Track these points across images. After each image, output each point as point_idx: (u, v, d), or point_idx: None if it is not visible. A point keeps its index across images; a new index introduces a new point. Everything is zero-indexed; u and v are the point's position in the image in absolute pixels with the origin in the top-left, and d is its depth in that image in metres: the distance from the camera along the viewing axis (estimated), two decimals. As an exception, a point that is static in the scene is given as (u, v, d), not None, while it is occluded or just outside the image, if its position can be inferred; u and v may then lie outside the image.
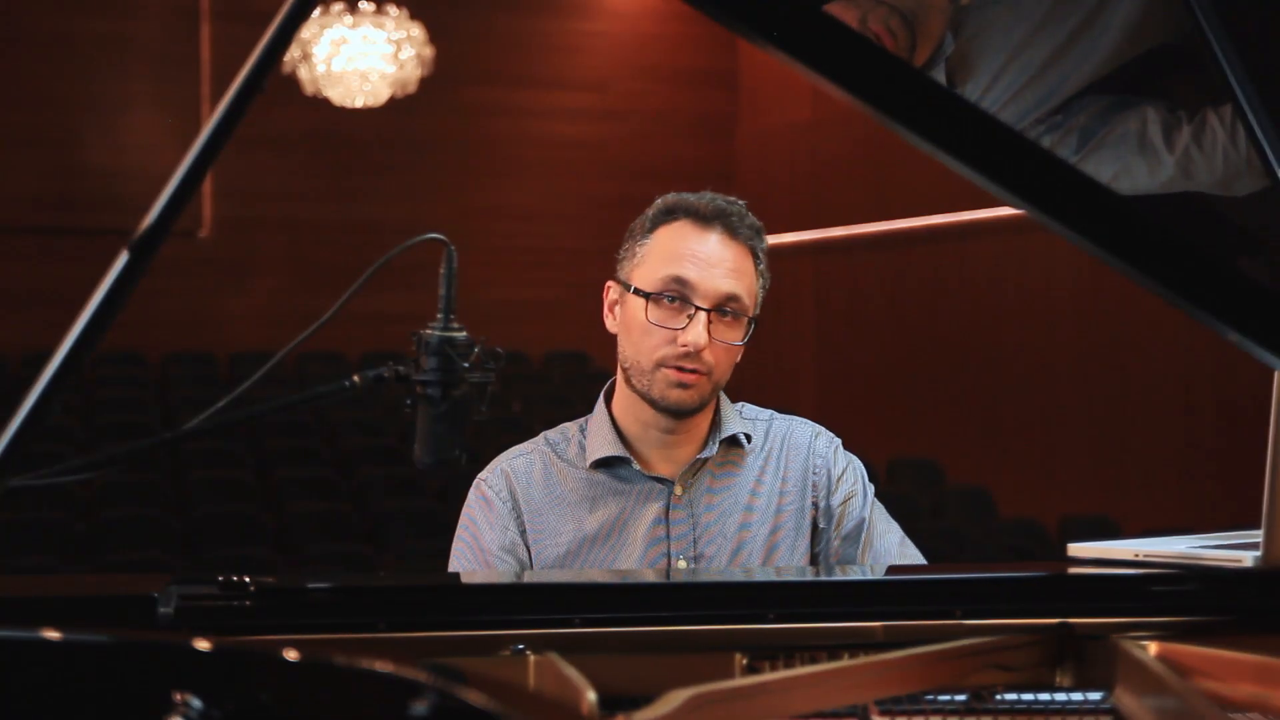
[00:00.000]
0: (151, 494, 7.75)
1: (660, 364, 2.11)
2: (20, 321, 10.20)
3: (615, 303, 2.19)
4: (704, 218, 2.13)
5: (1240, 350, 1.57)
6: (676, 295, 2.10)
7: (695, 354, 2.08)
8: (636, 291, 2.12)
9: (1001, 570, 1.82)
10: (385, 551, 7.33)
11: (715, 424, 2.20)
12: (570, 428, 2.24)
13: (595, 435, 2.19)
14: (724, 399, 2.23)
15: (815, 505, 2.20)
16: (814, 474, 2.21)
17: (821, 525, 2.20)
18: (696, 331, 2.08)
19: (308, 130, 11.17)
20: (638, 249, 2.16)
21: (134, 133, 10.63)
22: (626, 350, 2.16)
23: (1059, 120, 1.72)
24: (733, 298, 2.10)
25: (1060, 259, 9.47)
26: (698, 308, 2.09)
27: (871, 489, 2.24)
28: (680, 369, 2.09)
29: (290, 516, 7.66)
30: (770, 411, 2.28)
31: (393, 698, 1.11)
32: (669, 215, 2.15)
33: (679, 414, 2.14)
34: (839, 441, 2.26)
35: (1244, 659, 1.54)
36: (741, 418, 2.23)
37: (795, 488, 2.20)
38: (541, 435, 2.25)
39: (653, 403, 2.14)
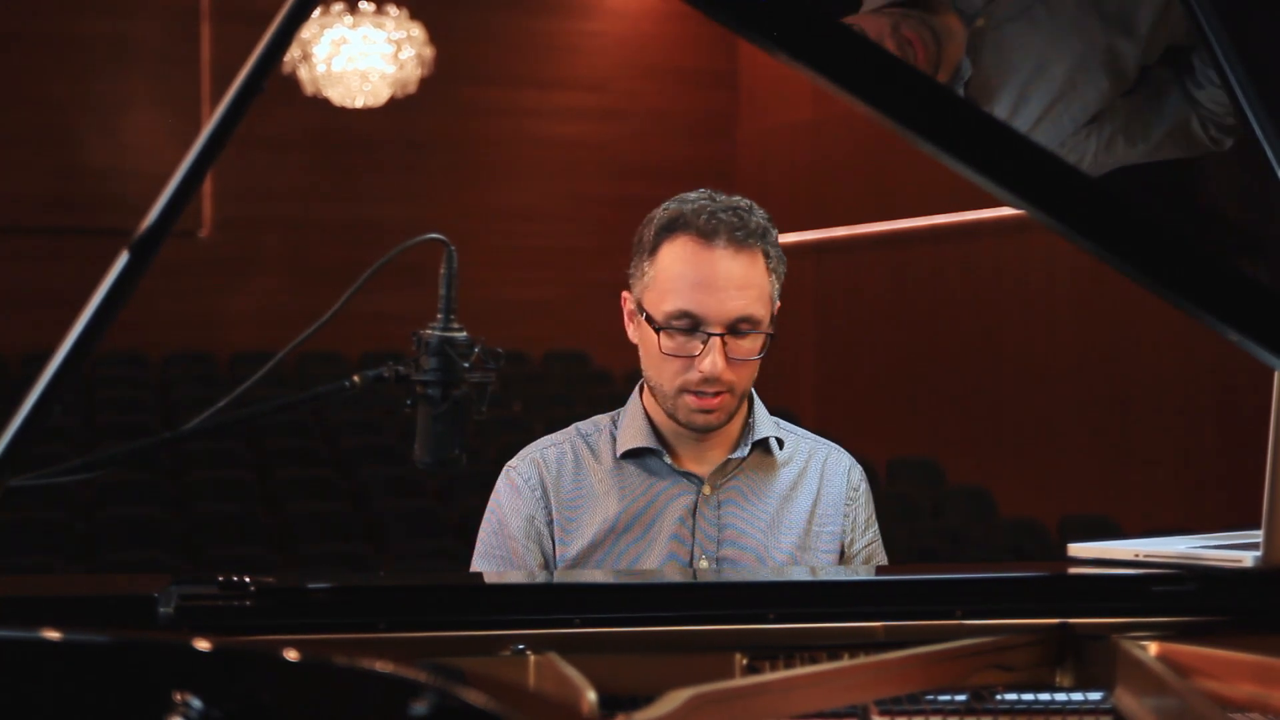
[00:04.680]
0: (151, 494, 7.75)
1: (681, 390, 2.09)
2: (20, 321, 10.20)
3: (633, 314, 2.16)
4: (706, 233, 2.07)
5: (1240, 350, 1.57)
6: (687, 326, 2.07)
7: (714, 379, 2.07)
8: (648, 319, 2.10)
9: (1001, 570, 1.82)
10: (385, 551, 7.33)
11: (748, 425, 2.19)
12: (603, 419, 2.24)
13: (628, 427, 2.19)
14: (758, 402, 2.22)
15: (841, 540, 2.21)
16: (848, 504, 2.22)
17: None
18: (712, 360, 2.05)
19: (308, 130, 11.17)
20: (645, 267, 2.12)
21: (134, 133, 10.62)
22: (648, 370, 2.15)
23: (1095, 128, 1.70)
24: (744, 317, 2.07)
25: (1060, 259, 9.48)
26: (710, 334, 2.06)
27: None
28: (701, 394, 2.08)
29: (290, 516, 7.66)
30: (808, 432, 2.28)
31: (393, 698, 1.11)
32: (670, 231, 2.10)
33: (705, 432, 2.14)
34: (866, 480, 2.27)
35: (1244, 659, 1.54)
36: (778, 426, 2.23)
37: (831, 513, 2.20)
38: (574, 426, 2.24)
39: (678, 422, 2.13)
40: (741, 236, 2.07)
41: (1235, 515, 2.33)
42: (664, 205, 2.15)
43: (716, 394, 2.08)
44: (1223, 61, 1.63)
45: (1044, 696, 1.62)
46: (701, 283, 2.06)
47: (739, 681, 1.55)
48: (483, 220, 11.60)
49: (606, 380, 10.49)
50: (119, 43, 10.99)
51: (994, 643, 1.60)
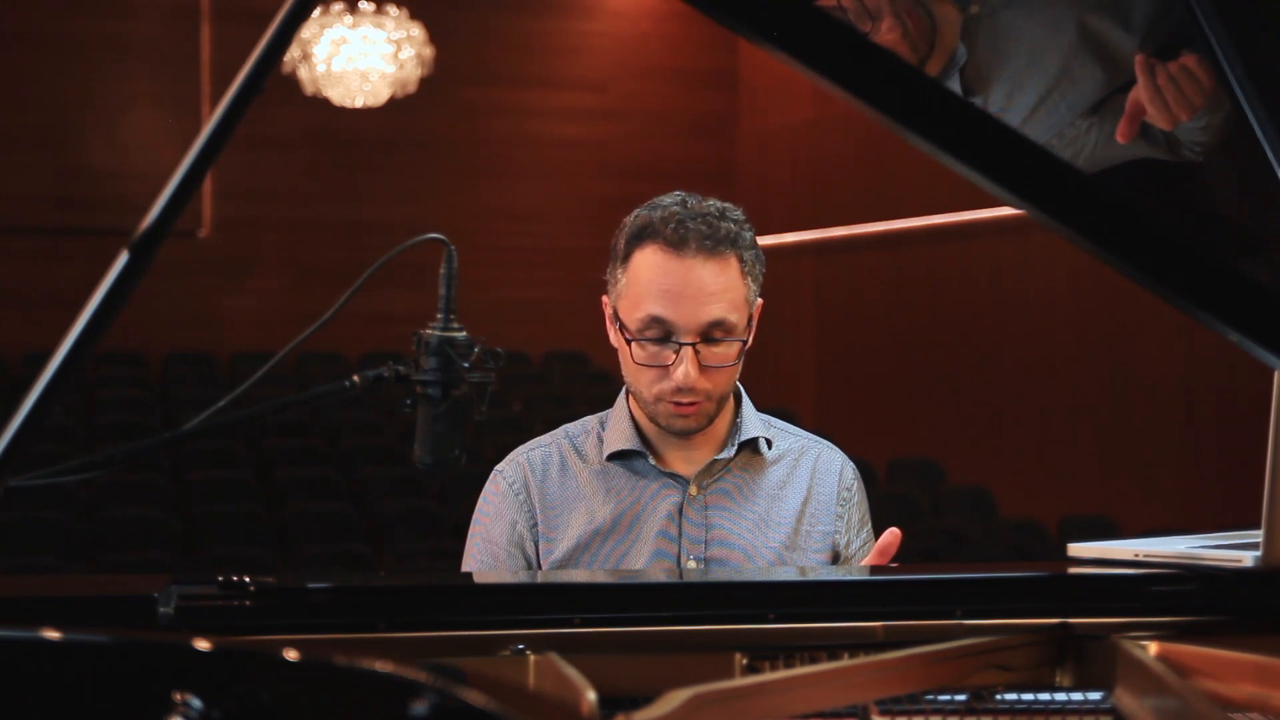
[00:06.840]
0: (151, 494, 7.75)
1: (658, 398, 2.09)
2: (20, 321, 10.20)
3: (611, 320, 2.16)
4: (675, 243, 2.05)
5: (1240, 350, 1.57)
6: (658, 335, 2.06)
7: (689, 388, 2.06)
8: (622, 328, 2.10)
9: (1001, 570, 1.81)
10: (385, 551, 7.33)
11: (735, 426, 2.18)
12: (591, 421, 2.23)
13: (614, 429, 2.18)
14: (746, 402, 2.21)
15: (835, 537, 2.19)
16: (840, 504, 2.20)
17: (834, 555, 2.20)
18: (684, 370, 2.05)
19: (308, 130, 11.17)
20: (618, 275, 2.11)
21: (134, 133, 10.63)
22: (627, 377, 2.14)
23: (1097, 121, 1.70)
24: (717, 323, 2.05)
25: (1060, 259, 9.47)
26: (682, 344, 2.05)
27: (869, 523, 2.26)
28: (677, 403, 2.08)
29: (290, 516, 7.66)
30: (801, 430, 2.27)
31: (393, 698, 1.11)
32: (640, 240, 2.09)
33: (686, 435, 2.14)
34: (860, 478, 2.25)
35: (1244, 659, 1.54)
36: (768, 426, 2.22)
37: (823, 513, 2.19)
38: (563, 428, 2.24)
39: (660, 426, 2.13)
40: (711, 245, 2.06)
41: (1235, 515, 2.33)
42: (636, 211, 2.13)
43: (692, 402, 2.08)
44: (1223, 61, 1.63)
45: (1044, 696, 1.62)
46: (671, 291, 2.05)
47: (739, 681, 1.55)
48: (483, 220, 11.60)
49: (606, 380, 10.49)
50: (119, 43, 10.99)
51: (994, 643, 1.60)
